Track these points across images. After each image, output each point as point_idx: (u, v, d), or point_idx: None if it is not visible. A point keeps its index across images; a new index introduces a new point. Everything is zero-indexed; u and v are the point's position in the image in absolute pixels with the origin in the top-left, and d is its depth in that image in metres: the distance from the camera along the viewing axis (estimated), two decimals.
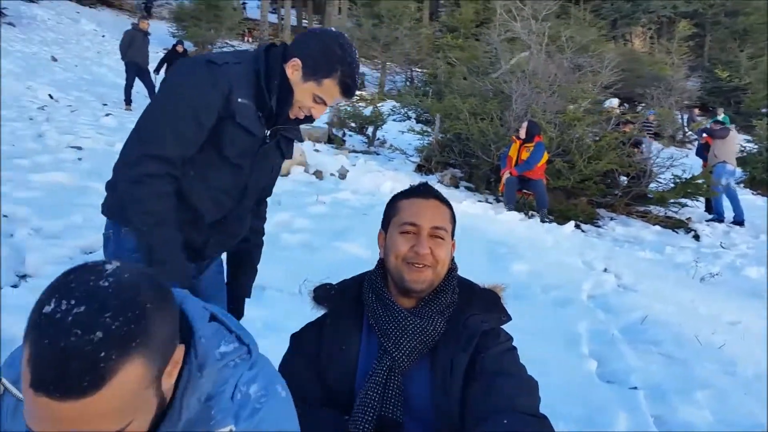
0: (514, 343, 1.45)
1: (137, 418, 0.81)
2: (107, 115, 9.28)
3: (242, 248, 1.99)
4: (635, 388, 3.07)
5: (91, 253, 3.80)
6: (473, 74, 10.26)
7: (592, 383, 3.10)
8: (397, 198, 1.51)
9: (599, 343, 3.58)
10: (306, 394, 1.40)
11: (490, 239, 5.46)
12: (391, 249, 1.43)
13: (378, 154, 10.82)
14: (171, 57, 11.55)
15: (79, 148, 6.49)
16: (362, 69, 22.95)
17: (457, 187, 8.63)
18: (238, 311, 2.03)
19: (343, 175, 7.51)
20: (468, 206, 6.78)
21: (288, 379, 1.41)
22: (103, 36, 20.68)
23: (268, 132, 1.73)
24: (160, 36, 22.89)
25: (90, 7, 26.74)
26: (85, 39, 19.24)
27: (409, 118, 13.44)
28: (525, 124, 7.34)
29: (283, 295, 3.58)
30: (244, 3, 38.77)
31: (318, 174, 7.38)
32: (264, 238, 2.07)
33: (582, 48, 9.13)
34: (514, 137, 7.48)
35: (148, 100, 10.55)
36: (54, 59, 13.65)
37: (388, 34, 19.70)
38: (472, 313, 1.42)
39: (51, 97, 9.85)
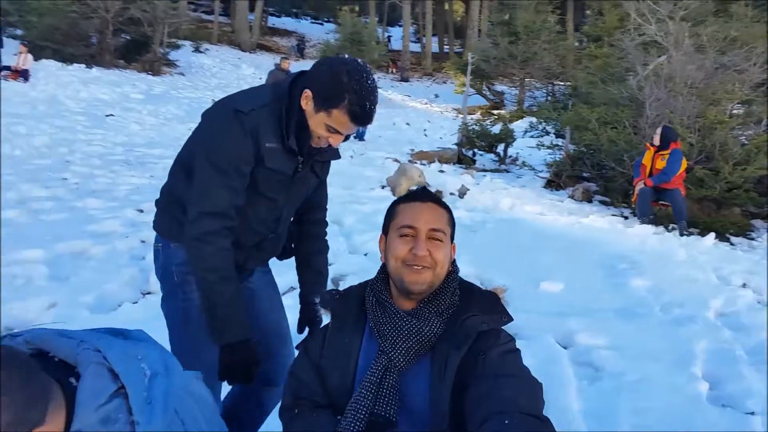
0: (521, 346, 1.43)
1: None
2: None
3: (302, 255, 2.10)
4: (752, 413, 2.71)
5: None
6: (607, 82, 9.72)
7: (699, 406, 2.79)
8: (396, 203, 1.54)
9: (717, 364, 3.20)
10: (308, 396, 1.47)
11: (610, 254, 5.12)
12: (390, 252, 1.46)
13: (508, 172, 10.63)
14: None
15: None
16: (500, 87, 22.77)
17: (590, 201, 8.19)
18: (309, 314, 2.11)
19: (462, 194, 7.49)
20: (593, 220, 6.42)
21: (294, 381, 1.52)
22: (260, 78, 22.71)
23: (301, 161, 1.81)
24: None
25: (250, 53, 29.63)
26: (244, 82, 21.24)
27: (547, 133, 13.04)
28: (659, 130, 6.80)
29: None
30: (389, 36, 40.55)
31: (437, 194, 7.43)
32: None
33: (730, 42, 8.23)
34: (648, 144, 6.97)
35: None
36: (214, 101, 15.27)
37: (525, 49, 19.34)
38: (471, 314, 1.42)
39: None
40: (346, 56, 1.69)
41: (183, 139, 7.83)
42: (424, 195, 1.51)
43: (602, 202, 8.10)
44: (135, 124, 11.01)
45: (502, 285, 1.66)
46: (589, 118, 8.06)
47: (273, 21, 43.88)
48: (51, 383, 0.88)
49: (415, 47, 37.06)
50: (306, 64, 26.16)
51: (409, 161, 10.44)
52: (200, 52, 24.57)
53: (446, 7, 41.34)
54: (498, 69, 20.59)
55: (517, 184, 9.01)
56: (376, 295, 1.49)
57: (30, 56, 13.80)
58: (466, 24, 34.76)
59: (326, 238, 2.15)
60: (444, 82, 29.03)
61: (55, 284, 3.80)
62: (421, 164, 10.26)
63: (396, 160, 10.10)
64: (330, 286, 4.17)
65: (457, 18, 44.06)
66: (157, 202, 1.94)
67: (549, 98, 19.35)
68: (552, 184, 9.16)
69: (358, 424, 1.35)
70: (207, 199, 1.67)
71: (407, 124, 17.03)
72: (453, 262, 1.53)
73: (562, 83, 19.84)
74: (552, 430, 1.21)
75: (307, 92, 1.66)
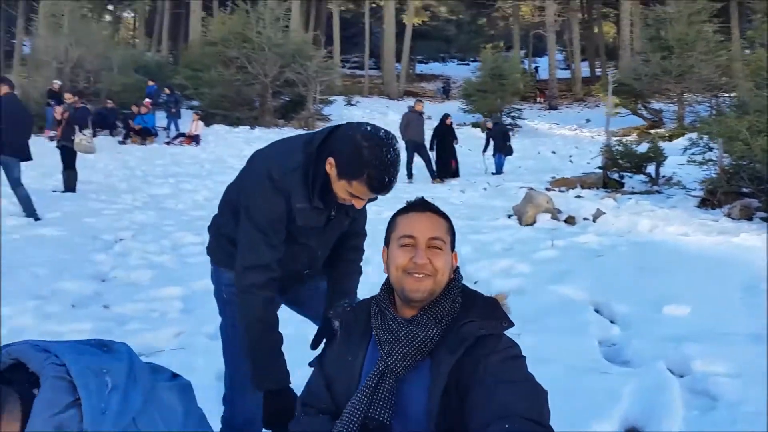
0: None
1: None
2: None
3: (334, 277, 2.18)
4: None
5: None
6: (762, 88, 8.65)
7: None
8: (395, 215, 1.58)
9: None
10: (315, 403, 1.56)
11: (756, 275, 4.48)
12: (391, 262, 1.50)
13: (660, 193, 9.79)
14: (441, 129, 12.64)
15: None
16: (657, 105, 21.18)
17: (749, 219, 7.24)
18: (327, 330, 2.20)
19: (596, 218, 7.06)
20: (745, 239, 5.67)
21: (304, 390, 1.63)
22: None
23: (332, 214, 1.95)
24: (453, 114, 25.08)
25: (397, 100, 30.89)
26: (390, 128, 22.12)
27: (710, 149, 11.85)
28: None
29: None
30: (536, 66, 39.95)
31: (569, 219, 7.10)
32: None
33: None
34: None
35: (426, 172, 11.75)
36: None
37: (680, 63, 17.88)
38: (469, 320, 1.43)
39: None
40: (369, 128, 1.76)
41: None
42: (422, 205, 1.55)
43: (765, 219, 7.12)
44: None
45: (503, 292, 1.64)
46: (738, 128, 7.21)
47: (421, 68, 45.44)
48: (9, 394, 1.00)
49: (565, 74, 36.02)
50: (451, 105, 26.68)
51: (546, 189, 10.09)
52: (352, 105, 26.19)
53: (596, 30, 39.80)
54: (652, 86, 19.24)
55: (666, 205, 8.26)
56: (379, 305, 1.53)
57: (201, 123, 15.81)
58: (618, 44, 33.13)
59: (360, 263, 2.21)
60: (596, 106, 27.74)
61: (185, 316, 4.24)
62: (560, 191, 9.86)
63: (531, 189, 9.82)
64: None
65: (609, 39, 42.17)
66: (209, 230, 2.17)
67: (713, 111, 17.59)
68: (707, 203, 8.26)
69: (351, 426, 1.39)
70: (251, 254, 1.86)
71: (553, 152, 16.51)
72: (456, 270, 1.54)
73: (726, 94, 17.95)
74: None
75: (331, 160, 1.76)
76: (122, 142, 15.65)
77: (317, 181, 1.82)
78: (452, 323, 1.45)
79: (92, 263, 5.62)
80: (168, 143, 15.84)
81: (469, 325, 1.41)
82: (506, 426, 1.18)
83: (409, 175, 11.94)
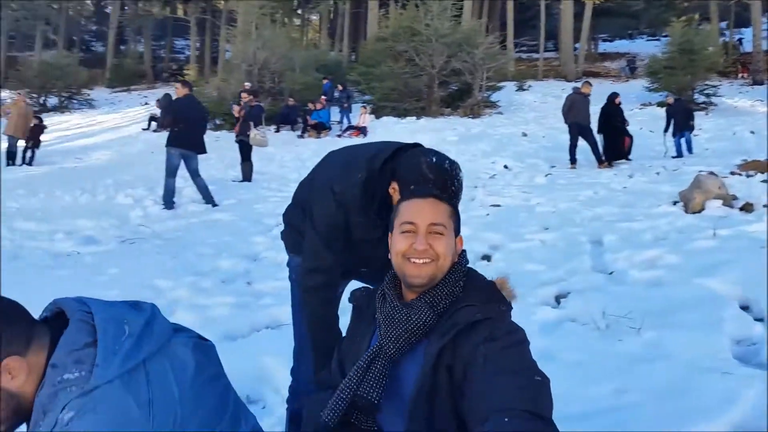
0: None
1: None
2: (546, 175, 10.15)
3: None
4: None
5: None
6: None
7: None
8: (399, 201, 1.62)
9: None
10: (330, 381, 1.66)
11: None
12: (393, 248, 1.54)
13: None
14: (608, 109, 11.75)
15: (497, 206, 7.42)
16: None
17: None
18: None
19: None
20: None
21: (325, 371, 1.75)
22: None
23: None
24: (638, 93, 23.10)
25: (575, 82, 29.25)
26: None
27: None
28: None
29: (584, 328, 3.38)
30: (740, 38, 35.11)
31: (746, 207, 6.19)
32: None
33: None
34: None
35: (592, 157, 11.03)
36: (524, 135, 15.62)
37: None
38: (467, 304, 1.44)
39: (506, 167, 11.39)
40: (434, 158, 1.81)
41: (480, 171, 8.36)
42: (424, 191, 1.58)
43: None
44: None
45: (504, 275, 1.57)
46: None
47: (604, 47, 42.52)
48: (42, 331, 1.23)
49: None
50: (635, 84, 24.57)
51: (731, 173, 8.88)
52: (523, 89, 25.40)
53: None
54: None
55: None
56: (384, 289, 1.59)
57: (368, 116, 16.63)
58: None
59: None
60: None
61: None
62: (747, 176, 8.64)
63: (712, 173, 8.72)
64: (551, 302, 3.97)
65: None
66: (283, 217, 2.38)
67: None
68: None
69: (341, 404, 1.47)
70: (314, 258, 2.02)
71: (751, 132, 14.45)
72: (461, 254, 1.56)
73: None
74: (554, 430, 1.19)
75: (395, 185, 1.86)
76: (300, 136, 17.03)
77: (376, 198, 1.92)
78: (450, 306, 1.46)
79: (250, 244, 6.21)
80: (339, 136, 16.86)
81: (465, 310, 1.42)
82: (505, 420, 1.17)
83: (573, 161, 11.29)
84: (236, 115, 10.63)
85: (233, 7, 23.16)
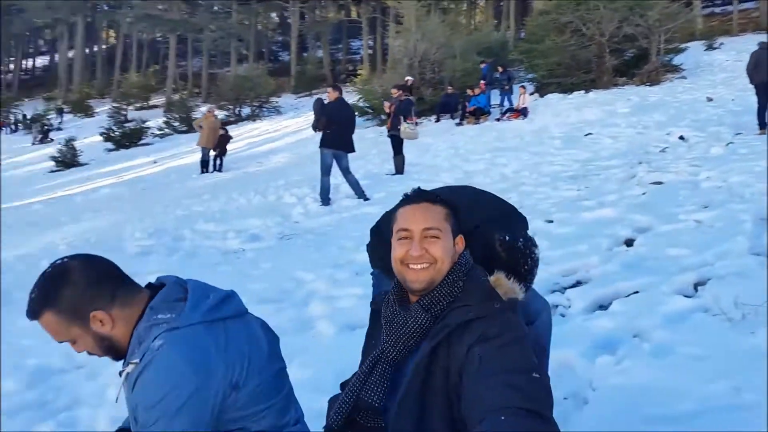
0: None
1: (77, 340, 1.50)
2: (728, 144, 8.98)
3: None
4: None
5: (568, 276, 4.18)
6: None
7: None
8: (396, 207, 1.64)
9: None
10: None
11: None
12: (393, 255, 1.57)
13: None
14: None
15: (658, 183, 6.75)
16: None
17: None
18: None
19: None
20: None
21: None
22: None
23: None
24: None
25: None
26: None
27: None
28: None
29: (714, 319, 3.01)
30: None
31: None
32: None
33: None
34: None
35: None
36: (709, 99, 13.86)
37: None
38: (463, 304, 1.46)
39: (681, 138, 10.23)
40: (507, 237, 1.69)
41: (650, 145, 7.89)
42: (418, 196, 1.60)
43: None
44: (609, 138, 11.20)
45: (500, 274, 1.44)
46: None
47: None
48: (129, 289, 1.54)
49: None
50: None
51: None
52: (713, 48, 22.54)
53: None
54: None
55: None
56: (390, 294, 1.63)
57: (527, 96, 15.97)
58: None
59: None
60: None
61: None
62: None
63: None
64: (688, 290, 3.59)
65: None
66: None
67: None
68: None
69: (344, 407, 1.55)
70: None
71: None
72: (462, 254, 1.56)
73: None
74: (554, 428, 1.20)
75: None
76: (459, 124, 16.92)
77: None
78: (447, 308, 1.47)
79: None
80: (498, 120, 16.47)
81: (458, 310, 1.44)
82: (502, 418, 1.18)
83: (762, 125, 9.79)
84: (387, 110, 10.96)
85: (396, 4, 23.70)
